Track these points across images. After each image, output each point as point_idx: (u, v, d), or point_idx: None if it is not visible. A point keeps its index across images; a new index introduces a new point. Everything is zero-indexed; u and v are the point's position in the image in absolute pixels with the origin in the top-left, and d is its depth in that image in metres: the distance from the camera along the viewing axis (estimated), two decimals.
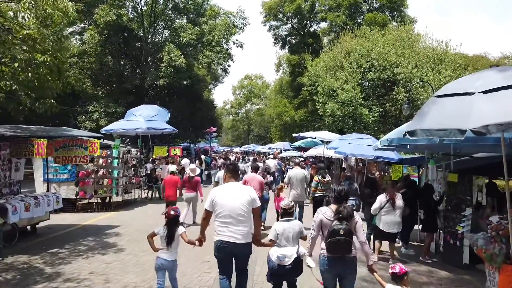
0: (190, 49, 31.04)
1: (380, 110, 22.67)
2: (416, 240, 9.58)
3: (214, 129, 33.73)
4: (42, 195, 9.48)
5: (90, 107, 26.29)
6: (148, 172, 16.49)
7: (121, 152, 13.83)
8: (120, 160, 13.71)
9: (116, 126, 17.20)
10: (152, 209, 13.51)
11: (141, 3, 31.23)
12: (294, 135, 27.85)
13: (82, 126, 25.05)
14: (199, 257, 7.36)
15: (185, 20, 32.67)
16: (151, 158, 18.46)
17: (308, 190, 12.14)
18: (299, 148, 28.74)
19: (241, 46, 35.60)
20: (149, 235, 5.21)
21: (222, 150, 45.41)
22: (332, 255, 4.36)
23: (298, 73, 37.01)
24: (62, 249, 8.05)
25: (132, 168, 15.08)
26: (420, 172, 11.89)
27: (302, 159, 20.61)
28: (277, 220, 6.99)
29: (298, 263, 4.69)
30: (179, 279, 5.51)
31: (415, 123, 4.53)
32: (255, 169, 10.49)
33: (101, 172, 13.09)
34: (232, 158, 30.29)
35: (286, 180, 11.21)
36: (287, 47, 42.90)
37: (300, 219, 9.14)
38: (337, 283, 4.58)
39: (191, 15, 32.36)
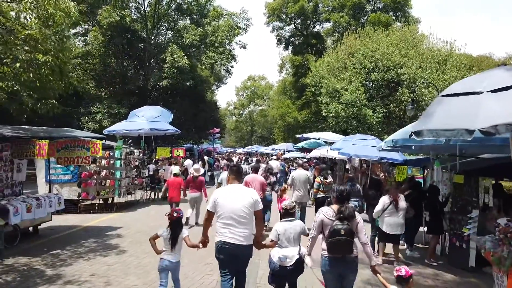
0: (193, 50, 31.07)
1: (384, 111, 22.54)
2: (421, 242, 9.46)
3: (217, 130, 33.58)
4: (44, 196, 9.43)
5: (93, 108, 26.36)
6: (151, 173, 16.43)
7: (124, 153, 13.77)
8: (122, 161, 13.65)
9: (119, 127, 17.18)
10: (154, 210, 13.44)
11: (144, 4, 31.33)
12: (297, 136, 27.75)
13: (85, 127, 25.10)
14: (202, 259, 7.28)
15: (188, 21, 32.71)
16: (154, 159, 18.41)
17: (311, 191, 12.06)
18: (302, 149, 28.62)
19: (244, 47, 35.62)
20: (152, 238, 5.18)
21: (225, 151, 45.35)
22: (333, 255, 4.33)
23: (301, 74, 36.92)
24: (63, 251, 7.99)
25: (135, 169, 15.03)
26: (425, 173, 11.75)
27: (305, 160, 20.50)
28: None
29: (299, 263, 4.66)
30: (181, 281, 5.45)
31: (421, 123, 4.44)
32: (255, 169, 10.41)
33: (103, 173, 13.05)
34: (235, 159, 30.20)
35: (289, 181, 11.18)
36: (290, 48, 42.86)
37: (302, 220, 9.07)
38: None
39: (194, 16, 32.39)
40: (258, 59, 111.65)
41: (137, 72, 31.08)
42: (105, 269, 6.86)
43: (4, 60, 8.02)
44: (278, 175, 17.65)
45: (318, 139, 22.00)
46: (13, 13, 8.20)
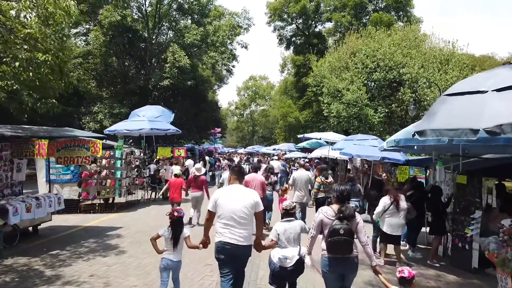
0: (195, 49, 31.02)
1: (386, 111, 22.45)
2: (423, 243, 9.38)
3: (219, 130, 33.53)
4: (43, 196, 9.38)
5: (95, 108, 26.33)
6: (152, 173, 16.38)
7: (124, 153, 13.72)
8: (123, 161, 13.60)
9: (120, 126, 17.13)
10: (155, 210, 13.39)
11: (145, 4, 31.29)
12: (298, 136, 27.66)
13: (86, 127, 25.08)
14: (202, 260, 7.23)
15: (189, 21, 32.66)
16: (155, 159, 18.37)
17: (312, 191, 12.01)
18: (303, 149, 28.56)
19: (246, 47, 35.58)
20: (153, 238, 5.17)
21: (226, 151, 45.30)
22: (332, 255, 4.32)
23: (303, 74, 36.84)
24: (63, 251, 7.94)
25: (135, 169, 14.98)
26: (427, 174, 11.67)
27: (306, 160, 20.44)
28: None
29: (300, 264, 4.64)
30: (181, 282, 5.42)
31: (425, 123, 4.37)
32: (255, 169, 10.36)
33: (104, 173, 12.99)
34: (237, 159, 30.14)
35: (290, 181, 11.16)
36: (292, 48, 42.76)
37: (302, 220, 9.02)
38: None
39: (196, 16, 32.34)
40: (259, 59, 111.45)
41: (138, 71, 31.05)
42: (105, 269, 6.80)
43: (4, 59, 7.97)
44: (279, 175, 17.60)
45: (320, 139, 21.92)
46: (13, 12, 8.17)
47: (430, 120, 4.29)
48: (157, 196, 16.09)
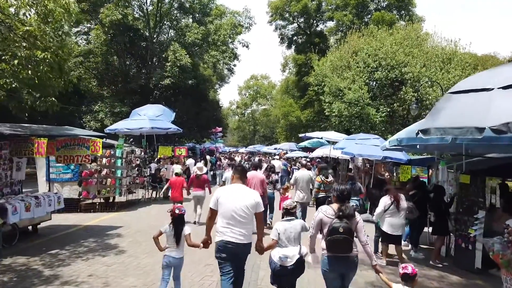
0: (196, 48, 30.95)
1: (388, 110, 22.35)
2: (426, 243, 9.30)
3: (220, 129, 33.48)
4: (43, 195, 9.33)
5: (95, 106, 26.28)
6: (153, 172, 16.32)
7: (125, 151, 13.66)
8: (123, 160, 13.54)
9: (120, 125, 17.07)
10: (155, 209, 13.34)
11: (146, 3, 31.24)
12: (300, 135, 27.60)
13: (87, 125, 25.04)
14: (202, 260, 7.16)
15: (190, 20, 32.57)
16: (156, 158, 18.30)
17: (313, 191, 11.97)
18: (305, 149, 28.48)
19: (247, 46, 35.41)
20: (155, 235, 5.18)
21: (227, 151, 45.22)
22: (332, 254, 4.32)
23: (304, 73, 36.75)
24: (62, 250, 7.87)
25: (136, 168, 14.92)
26: (430, 173, 11.58)
27: (308, 159, 20.36)
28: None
29: (300, 263, 4.64)
30: (181, 282, 5.37)
31: (429, 121, 4.28)
32: (255, 167, 10.33)
33: (104, 172, 12.93)
34: (238, 158, 30.07)
35: (292, 181, 11.15)
36: (293, 47, 42.64)
37: (303, 220, 8.99)
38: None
39: (197, 15, 32.26)
40: (261, 58, 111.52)
41: (139, 70, 30.98)
42: (104, 269, 6.74)
43: (3, 57, 7.90)
44: (280, 174, 17.54)
45: (321, 138, 21.88)
46: (12, 9, 8.11)
47: (434, 119, 4.20)
48: (157, 196, 16.05)
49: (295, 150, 30.20)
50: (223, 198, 4.69)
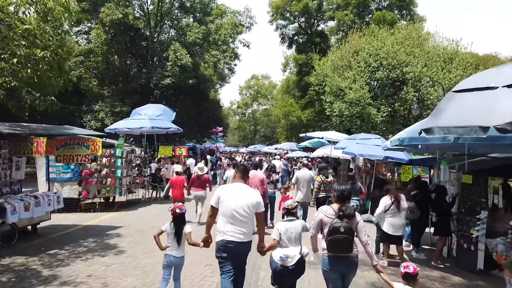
0: (197, 48, 30.88)
1: (389, 110, 22.26)
2: (427, 244, 9.24)
3: (220, 129, 33.46)
4: (42, 194, 9.28)
5: (96, 106, 26.24)
6: (153, 171, 16.28)
7: (125, 151, 13.61)
8: (123, 159, 13.49)
9: (121, 125, 17.01)
10: (156, 209, 13.29)
11: (147, 2, 31.17)
12: (301, 135, 27.52)
13: (88, 125, 25.00)
14: (202, 260, 7.11)
15: (191, 19, 32.51)
16: (157, 158, 18.25)
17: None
18: (305, 149, 28.43)
19: (248, 46, 35.34)
20: (156, 234, 5.18)
21: (228, 150, 45.20)
22: (333, 253, 4.33)
23: (305, 73, 36.67)
24: (61, 250, 7.82)
25: (136, 168, 14.87)
26: (431, 173, 11.52)
27: (309, 159, 20.31)
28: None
29: (301, 263, 4.64)
30: (181, 283, 5.33)
31: (432, 120, 4.22)
32: (255, 166, 10.31)
33: (104, 171, 12.87)
34: (239, 158, 30.04)
35: (293, 180, 11.17)
36: (294, 47, 42.53)
37: (304, 220, 8.96)
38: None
39: (198, 14, 32.20)
40: (261, 58, 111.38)
41: (140, 70, 30.94)
42: (103, 269, 6.68)
43: (2, 56, 7.84)
44: (281, 174, 17.50)
45: (322, 138, 21.81)
46: (11, 8, 8.05)
47: (437, 118, 4.14)
48: (158, 195, 16.00)
49: (296, 150, 30.15)
50: (224, 197, 4.70)
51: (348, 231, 4.25)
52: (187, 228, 5.15)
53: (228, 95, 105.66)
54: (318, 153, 21.28)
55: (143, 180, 15.33)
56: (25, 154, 9.05)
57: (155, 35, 31.01)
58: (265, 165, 13.64)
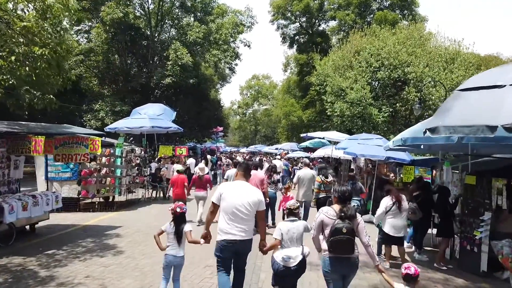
0: (197, 47, 30.79)
1: (390, 110, 22.15)
2: (429, 245, 9.14)
3: (221, 128, 33.37)
4: (41, 194, 9.20)
5: (96, 105, 26.15)
6: (153, 171, 16.19)
7: (125, 151, 13.52)
8: (123, 159, 13.41)
9: (121, 124, 16.93)
10: (155, 209, 13.21)
11: (148, 1, 31.10)
12: (301, 135, 27.42)
13: (88, 124, 24.92)
14: (202, 261, 7.00)
15: (192, 19, 32.41)
16: (157, 158, 18.16)
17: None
18: (306, 149, 28.33)
19: (249, 46, 35.23)
20: (156, 234, 5.16)
21: (228, 150, 45.10)
22: (334, 254, 4.32)
23: (306, 73, 36.56)
24: (59, 251, 7.73)
25: (136, 167, 14.78)
26: (434, 174, 11.41)
27: (309, 160, 20.21)
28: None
29: (303, 263, 4.65)
30: (180, 284, 5.26)
31: (437, 120, 4.12)
32: (256, 166, 10.25)
33: (103, 171, 12.78)
34: (239, 158, 29.92)
35: (295, 180, 11.13)
36: (295, 46, 42.45)
37: (305, 219, 8.91)
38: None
39: (199, 13, 32.12)
40: (262, 57, 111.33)
41: (140, 69, 30.83)
42: (101, 270, 6.59)
43: (0, 53, 7.75)
44: (281, 174, 17.42)
45: (323, 138, 21.72)
46: (10, 5, 7.97)
47: (443, 117, 4.04)
48: (158, 195, 15.91)
49: (297, 150, 30.05)
50: (226, 194, 4.73)
51: (350, 232, 4.24)
52: (187, 227, 5.13)
53: (229, 95, 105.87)
54: (319, 153, 21.19)
55: (142, 179, 15.25)
56: (23, 153, 8.98)
57: (156, 34, 30.93)
58: (266, 165, 13.55)
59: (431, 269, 7.43)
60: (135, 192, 14.76)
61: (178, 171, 11.10)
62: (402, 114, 23.13)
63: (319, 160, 19.97)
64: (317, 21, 40.68)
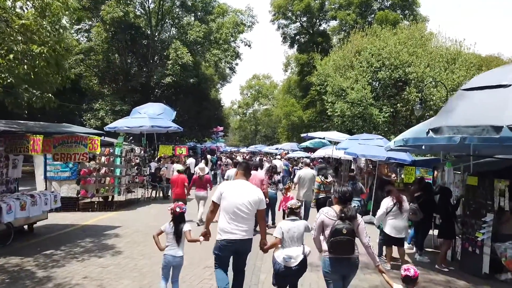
0: (198, 47, 30.74)
1: (391, 110, 22.09)
2: (430, 246, 9.07)
3: (221, 128, 33.28)
4: (39, 193, 9.12)
5: (96, 104, 26.12)
6: (153, 171, 16.12)
7: (124, 150, 13.45)
8: (122, 158, 13.34)
9: (120, 123, 16.86)
10: (155, 209, 13.14)
11: (148, 0, 31.01)
12: (302, 135, 27.35)
13: (88, 124, 24.88)
14: (201, 261, 6.93)
15: (192, 18, 32.36)
16: (157, 157, 18.10)
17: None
18: (306, 149, 28.26)
19: (249, 45, 35.25)
20: (156, 234, 5.13)
21: (228, 150, 45.01)
22: (334, 255, 4.30)
23: (306, 73, 36.49)
24: (57, 251, 7.66)
25: (136, 167, 14.71)
26: (435, 175, 11.34)
27: (310, 160, 20.14)
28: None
29: (304, 263, 4.66)
30: (179, 286, 5.21)
31: (440, 120, 4.05)
32: (256, 167, 10.24)
33: (103, 170, 12.70)
34: (240, 158, 29.83)
35: (296, 179, 11.11)
36: (295, 46, 42.40)
37: (305, 219, 8.86)
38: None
39: (199, 13, 32.08)
40: (263, 57, 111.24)
41: (141, 69, 30.79)
42: (99, 271, 6.51)
43: None
44: (281, 174, 17.35)
45: (323, 138, 21.64)
46: (9, 3, 7.90)
47: (446, 117, 3.97)
48: (157, 195, 15.84)
49: (297, 150, 29.97)
50: (227, 193, 4.73)
51: (350, 233, 4.24)
52: (186, 227, 5.10)
53: (229, 95, 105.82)
54: (319, 153, 21.11)
55: (142, 179, 15.17)
56: (22, 152, 8.89)
57: (156, 34, 30.88)
58: (266, 165, 13.49)
59: (432, 271, 7.36)
60: (134, 191, 14.68)
61: (178, 171, 11.08)
62: (403, 114, 23.07)
63: (319, 160, 19.89)
64: (318, 21, 40.64)
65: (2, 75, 7.75)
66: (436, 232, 8.67)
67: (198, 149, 28.95)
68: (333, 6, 37.95)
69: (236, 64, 37.63)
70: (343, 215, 4.32)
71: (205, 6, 31.87)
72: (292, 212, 4.87)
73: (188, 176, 12.62)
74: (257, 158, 22.44)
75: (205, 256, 6.71)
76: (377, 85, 23.02)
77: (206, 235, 4.92)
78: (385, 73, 21.68)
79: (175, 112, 20.15)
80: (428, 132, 4.00)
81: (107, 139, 13.15)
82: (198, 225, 10.12)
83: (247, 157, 32.45)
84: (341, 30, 37.56)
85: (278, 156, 27.33)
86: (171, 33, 32.70)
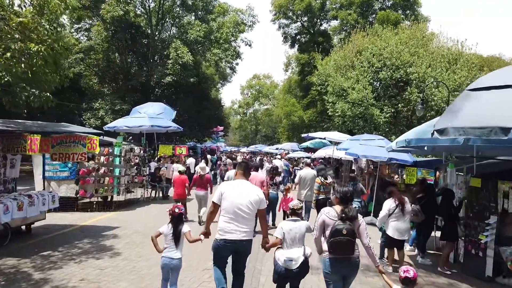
0: (198, 46, 30.67)
1: (392, 110, 22.00)
2: (432, 248, 8.97)
3: (221, 128, 33.20)
4: (37, 193, 9.02)
5: (96, 104, 26.04)
6: (152, 171, 16.02)
7: (123, 150, 13.35)
8: (122, 158, 13.24)
9: (120, 123, 16.76)
10: (154, 209, 13.03)
11: (148, 0, 30.91)
12: (302, 135, 27.27)
13: (87, 123, 24.80)
14: (200, 263, 6.83)
15: (193, 17, 32.28)
16: (157, 157, 18.00)
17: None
18: (307, 149, 28.15)
19: (250, 45, 35.16)
20: (154, 235, 5.02)
21: (229, 150, 44.90)
22: (334, 255, 4.29)
23: (307, 72, 36.43)
24: (54, 252, 7.55)
25: (135, 167, 14.61)
26: (437, 176, 11.23)
27: (310, 160, 20.05)
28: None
29: (305, 265, 4.64)
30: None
31: (446, 121, 3.95)
32: (256, 168, 10.18)
33: (102, 170, 12.60)
34: (240, 158, 29.73)
35: (296, 180, 11.07)
36: (296, 46, 42.34)
37: (306, 220, 8.79)
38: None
39: (200, 12, 32.01)
40: (263, 57, 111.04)
41: (141, 68, 30.72)
42: (97, 273, 6.41)
43: None
44: (282, 174, 17.27)
45: (324, 138, 21.55)
46: (7, 0, 7.81)
47: (452, 118, 3.87)
48: (157, 195, 15.74)
49: (297, 151, 29.87)
50: (227, 193, 4.71)
51: (351, 233, 4.21)
52: (185, 228, 5.04)
53: (230, 95, 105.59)
54: (320, 153, 21.02)
55: (142, 179, 15.07)
56: (19, 152, 8.79)
57: (156, 33, 30.79)
58: (266, 165, 13.40)
59: (434, 274, 7.27)
60: (134, 192, 14.58)
61: (179, 172, 11.09)
62: (404, 114, 22.98)
63: (320, 160, 19.79)
64: (318, 20, 40.55)
65: (0, 74, 7.66)
66: (438, 233, 8.57)
67: (198, 149, 28.86)
68: (334, 6, 37.85)
69: (237, 63, 37.63)
70: (344, 215, 4.30)
71: (205, 6, 31.79)
72: (294, 213, 4.86)
73: (188, 176, 12.55)
74: (258, 158, 22.36)
75: (204, 258, 6.61)
76: (378, 85, 22.94)
77: (206, 234, 4.92)
78: (386, 73, 21.59)
79: (175, 111, 20.04)
80: (433, 133, 3.90)
81: (106, 138, 13.06)
82: (200, 224, 10.04)
83: (247, 157, 32.37)
84: (342, 30, 37.47)
85: (278, 156, 27.22)
86: (171, 32, 32.63)
